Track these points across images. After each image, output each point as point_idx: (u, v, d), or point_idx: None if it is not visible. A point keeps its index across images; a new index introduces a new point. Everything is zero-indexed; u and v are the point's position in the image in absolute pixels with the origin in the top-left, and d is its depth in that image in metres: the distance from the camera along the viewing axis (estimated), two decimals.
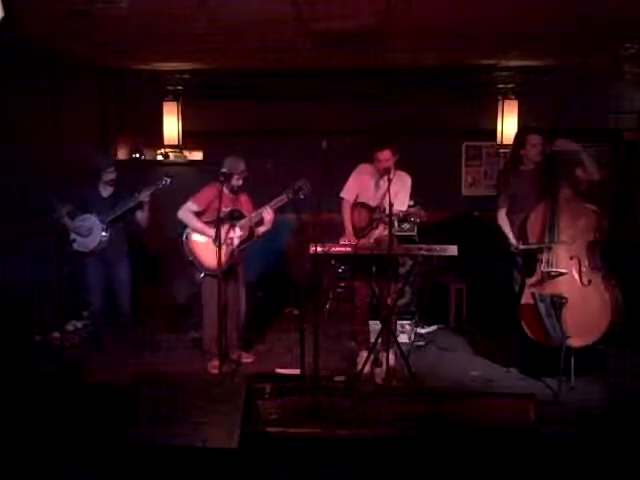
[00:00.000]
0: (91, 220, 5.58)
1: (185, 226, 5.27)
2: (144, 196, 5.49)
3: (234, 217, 5.21)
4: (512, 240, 5.11)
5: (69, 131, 6.42)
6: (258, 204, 5.33)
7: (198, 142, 7.79)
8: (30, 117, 6.01)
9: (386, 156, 4.99)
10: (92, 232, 5.56)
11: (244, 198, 5.37)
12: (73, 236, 5.59)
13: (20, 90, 5.88)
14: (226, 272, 5.11)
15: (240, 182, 5.23)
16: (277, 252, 7.14)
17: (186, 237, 5.26)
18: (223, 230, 4.98)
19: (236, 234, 5.20)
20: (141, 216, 5.64)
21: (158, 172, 7.62)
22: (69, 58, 6.20)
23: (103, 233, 5.54)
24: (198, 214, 5.23)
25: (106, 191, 5.70)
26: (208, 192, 5.18)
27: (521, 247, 5.00)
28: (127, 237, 5.75)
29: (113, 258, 5.64)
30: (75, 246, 5.59)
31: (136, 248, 5.92)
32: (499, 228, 5.21)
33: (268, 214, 5.18)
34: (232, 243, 5.19)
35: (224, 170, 5.07)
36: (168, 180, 5.49)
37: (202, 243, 5.17)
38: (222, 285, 4.91)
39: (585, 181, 4.92)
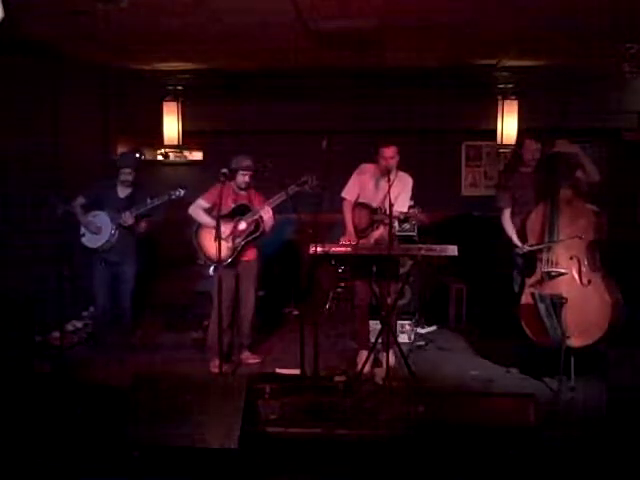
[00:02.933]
0: (102, 218, 5.56)
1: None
2: (156, 204, 5.49)
3: (241, 212, 5.28)
4: (517, 242, 5.08)
5: (69, 131, 6.41)
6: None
7: (198, 142, 7.79)
8: (30, 117, 6.01)
9: (391, 153, 4.99)
10: (101, 230, 5.55)
11: (254, 194, 5.41)
12: (83, 230, 5.58)
13: (20, 90, 5.88)
14: (240, 268, 5.30)
15: (246, 178, 5.29)
16: (277, 252, 7.13)
17: (196, 232, 5.34)
18: (230, 225, 5.20)
19: (242, 227, 5.26)
20: (143, 223, 5.65)
21: (159, 172, 7.71)
22: (69, 58, 6.19)
23: (112, 232, 5.53)
24: (208, 210, 5.32)
25: (123, 192, 5.68)
26: (216, 189, 5.20)
27: (526, 249, 4.94)
28: (135, 238, 5.73)
29: (120, 258, 5.63)
30: (83, 240, 5.59)
31: (144, 249, 5.92)
32: (503, 229, 5.19)
33: (267, 212, 5.21)
34: (239, 236, 5.25)
35: (224, 170, 5.07)
36: (182, 192, 5.47)
37: (210, 237, 5.13)
38: (231, 283, 5.22)
39: (585, 182, 4.93)
